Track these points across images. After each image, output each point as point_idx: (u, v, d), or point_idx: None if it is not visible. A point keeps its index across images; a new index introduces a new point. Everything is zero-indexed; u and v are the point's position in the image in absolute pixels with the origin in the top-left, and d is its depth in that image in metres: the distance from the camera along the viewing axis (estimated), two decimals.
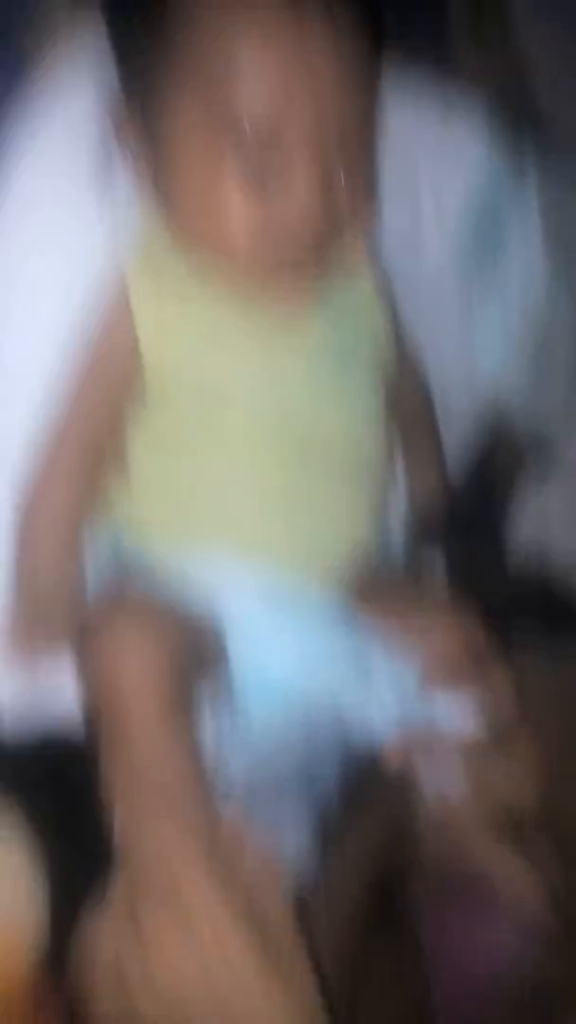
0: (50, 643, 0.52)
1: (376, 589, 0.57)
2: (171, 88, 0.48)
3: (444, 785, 0.52)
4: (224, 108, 0.47)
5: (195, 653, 0.49)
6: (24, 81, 0.52)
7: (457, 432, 0.76)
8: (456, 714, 0.52)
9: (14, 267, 0.53)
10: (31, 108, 0.52)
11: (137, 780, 0.46)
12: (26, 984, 0.46)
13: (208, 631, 0.51)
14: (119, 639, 0.47)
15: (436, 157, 0.66)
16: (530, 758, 0.51)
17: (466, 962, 0.62)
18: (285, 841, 0.51)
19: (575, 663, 0.65)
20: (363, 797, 0.55)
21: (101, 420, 0.53)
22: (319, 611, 0.53)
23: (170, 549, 0.53)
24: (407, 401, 0.64)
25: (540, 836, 0.51)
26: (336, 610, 0.54)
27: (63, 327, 0.51)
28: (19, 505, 0.53)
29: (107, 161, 0.52)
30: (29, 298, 0.52)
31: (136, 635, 0.47)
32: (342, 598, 0.55)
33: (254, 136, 0.47)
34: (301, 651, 0.51)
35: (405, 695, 0.52)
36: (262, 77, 0.47)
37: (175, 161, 0.49)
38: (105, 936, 0.44)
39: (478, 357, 0.74)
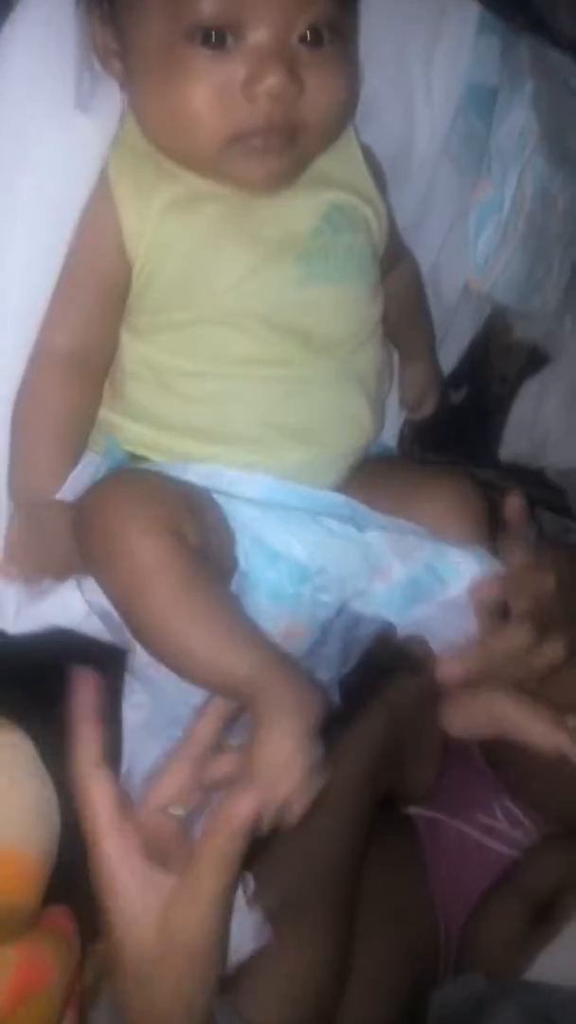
0: (54, 556, 0.51)
1: (377, 475, 0.58)
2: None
3: (458, 636, 0.54)
4: (188, 11, 0.46)
5: (200, 524, 0.49)
6: None
7: (452, 328, 0.76)
8: (466, 568, 0.53)
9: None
10: (12, 11, 0.50)
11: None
12: (40, 889, 0.47)
13: (212, 509, 0.51)
14: (123, 499, 0.47)
15: (426, 52, 0.64)
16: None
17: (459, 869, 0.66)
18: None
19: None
20: (369, 684, 0.57)
21: (92, 314, 0.52)
22: (324, 499, 0.54)
23: (168, 456, 0.53)
24: (401, 300, 0.63)
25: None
26: (339, 497, 0.55)
27: (50, 227, 0.50)
28: (15, 402, 0.52)
29: (87, 62, 0.51)
30: (14, 199, 0.50)
31: (139, 494, 0.48)
32: (345, 486, 0.56)
33: (219, 39, 0.46)
34: (307, 536, 0.51)
35: (413, 563, 0.53)
36: None
37: (147, 71, 0.48)
38: None
39: (472, 260, 0.72)
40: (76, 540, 0.49)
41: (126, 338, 0.53)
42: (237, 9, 0.46)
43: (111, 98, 0.51)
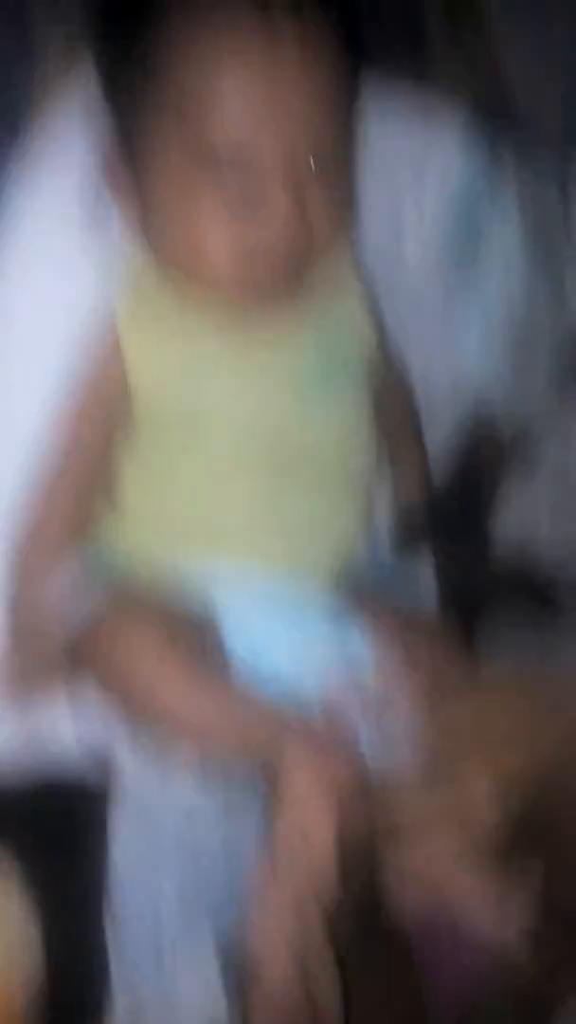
0: (46, 680, 0.52)
1: (363, 596, 0.58)
2: (154, 126, 0.51)
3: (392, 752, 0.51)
4: (200, 138, 0.49)
5: (193, 639, 0.50)
6: (21, 128, 0.54)
7: (441, 433, 0.77)
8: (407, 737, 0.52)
9: (9, 306, 0.55)
10: (28, 153, 0.55)
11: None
12: None
13: (203, 621, 0.52)
14: (119, 624, 0.49)
15: (416, 164, 0.67)
16: (508, 772, 0.50)
17: (454, 968, 0.63)
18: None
19: (559, 656, 0.66)
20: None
21: (92, 450, 0.54)
22: (309, 605, 0.55)
23: (162, 568, 0.54)
24: (391, 405, 0.65)
25: (528, 851, 0.49)
26: (325, 605, 0.56)
27: (57, 364, 0.53)
28: (14, 539, 0.54)
29: (99, 201, 0.54)
30: (24, 336, 0.54)
31: (134, 619, 0.49)
32: (331, 595, 0.56)
33: (228, 163, 0.49)
34: (291, 641, 0.52)
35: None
36: (233, 105, 0.49)
37: (158, 195, 0.51)
38: None
39: (460, 358, 0.74)
40: (71, 665, 0.50)
41: (121, 454, 0.55)
42: (247, 135, 0.49)
43: (117, 241, 0.54)
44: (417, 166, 0.66)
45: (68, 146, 0.55)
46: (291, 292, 0.54)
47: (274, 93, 0.49)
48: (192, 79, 0.49)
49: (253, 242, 0.50)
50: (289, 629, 0.53)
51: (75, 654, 0.50)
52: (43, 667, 0.52)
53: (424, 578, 0.71)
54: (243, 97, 0.49)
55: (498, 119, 0.75)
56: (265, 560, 0.54)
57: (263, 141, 0.49)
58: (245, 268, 0.51)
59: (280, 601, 0.54)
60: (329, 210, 0.52)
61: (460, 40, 0.71)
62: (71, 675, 0.50)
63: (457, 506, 0.84)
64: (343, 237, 0.56)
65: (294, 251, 0.51)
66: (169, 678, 0.48)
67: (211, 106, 0.49)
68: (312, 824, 0.44)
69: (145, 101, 0.51)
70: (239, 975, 0.45)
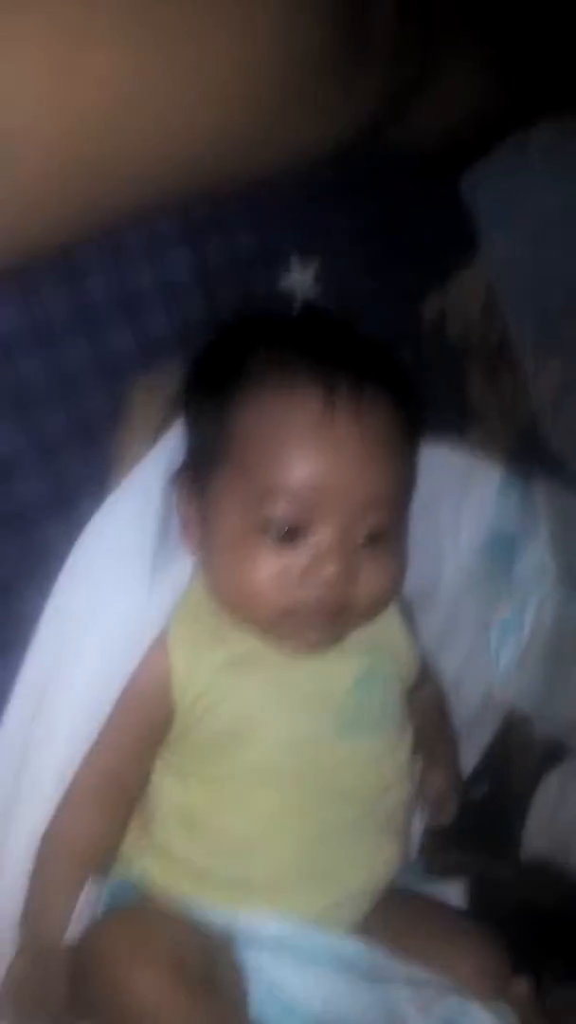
0: (45, 1003, 0.51)
1: (403, 917, 0.58)
2: (223, 465, 0.55)
3: None
4: (261, 488, 0.53)
5: (208, 960, 0.49)
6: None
7: (473, 727, 0.80)
8: None
9: (73, 609, 0.57)
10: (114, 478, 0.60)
11: None
12: None
13: (225, 950, 0.51)
14: (123, 935, 0.49)
15: (457, 494, 0.74)
16: None
17: None
18: None
19: None
20: None
21: (129, 750, 0.55)
22: (343, 946, 0.54)
23: (186, 894, 0.54)
24: (425, 710, 0.67)
25: None
26: (360, 945, 0.55)
27: (107, 679, 0.55)
28: (43, 833, 0.54)
29: (167, 525, 0.59)
30: (79, 651, 0.56)
31: (141, 930, 0.49)
32: (363, 935, 0.56)
33: (283, 515, 0.53)
34: (324, 987, 0.52)
35: (433, 1019, 0.52)
36: (295, 465, 0.53)
37: (218, 525, 0.55)
38: None
39: (495, 661, 0.78)
40: (72, 983, 0.50)
41: (160, 777, 0.56)
42: (308, 514, 0.53)
43: (181, 570, 0.59)
44: (456, 506, 0.73)
45: (149, 470, 0.60)
46: (332, 642, 0.56)
47: (333, 459, 0.53)
48: (259, 435, 0.54)
49: (301, 603, 0.53)
50: (317, 974, 0.52)
51: (75, 969, 0.50)
52: (49, 987, 0.51)
53: (455, 891, 0.70)
54: (303, 461, 0.53)
55: (531, 455, 0.85)
56: (295, 903, 0.54)
57: (323, 520, 0.53)
58: (292, 620, 0.54)
59: (307, 939, 0.53)
60: (378, 582, 0.55)
61: (499, 401, 0.81)
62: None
63: (488, 806, 0.84)
64: (390, 602, 0.59)
65: (339, 612, 0.54)
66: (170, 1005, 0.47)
67: (274, 464, 0.53)
68: None
69: (219, 444, 0.55)
70: None
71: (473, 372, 0.81)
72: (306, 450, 0.53)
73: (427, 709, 0.68)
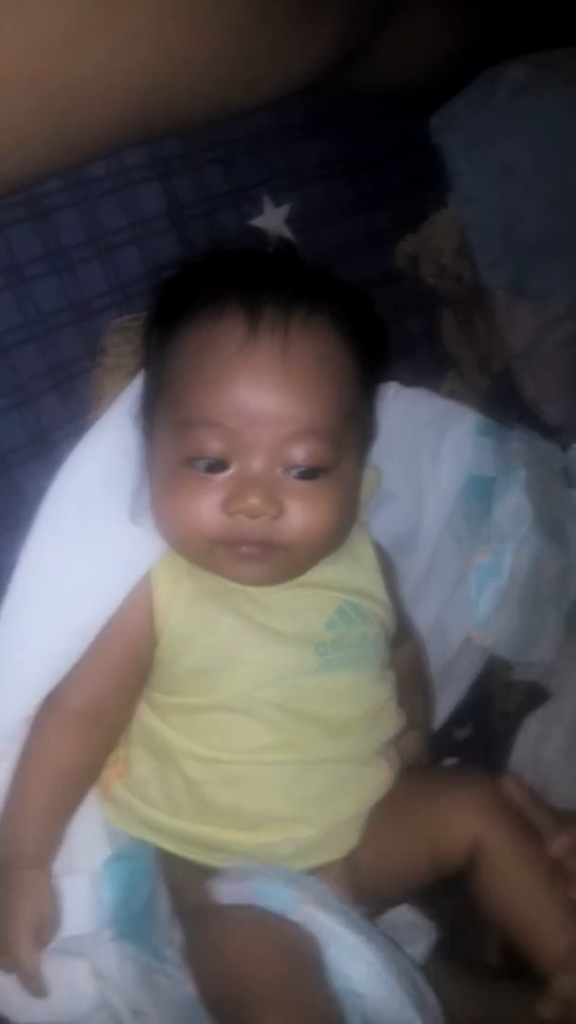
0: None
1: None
2: (160, 400, 0.55)
3: None
4: (184, 419, 0.53)
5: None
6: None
7: (454, 671, 0.80)
8: None
9: (61, 554, 0.56)
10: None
11: None
12: None
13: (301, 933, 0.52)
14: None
15: (434, 441, 0.74)
16: None
17: None
18: None
19: None
20: None
21: (113, 676, 0.55)
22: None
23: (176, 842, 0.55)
24: (403, 670, 0.66)
25: None
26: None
27: (88, 616, 0.55)
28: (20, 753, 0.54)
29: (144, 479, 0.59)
30: (60, 589, 0.55)
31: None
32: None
33: (204, 445, 0.52)
34: (380, 967, 0.51)
35: None
36: (215, 394, 0.52)
37: (154, 460, 0.55)
38: None
39: (474, 606, 0.79)
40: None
41: (143, 713, 0.56)
42: (230, 444, 0.52)
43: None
44: (434, 452, 0.73)
45: (125, 416, 0.59)
46: (276, 578, 0.55)
47: (252, 382, 0.51)
48: (184, 363, 0.53)
49: (225, 534, 0.53)
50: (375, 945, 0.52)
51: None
52: (9, 909, 0.51)
53: None
54: (221, 381, 0.51)
55: (508, 401, 0.85)
56: (287, 835, 0.54)
57: (246, 452, 0.52)
58: (223, 553, 0.53)
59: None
60: (308, 517, 0.53)
61: (474, 346, 0.82)
62: None
63: (472, 747, 0.85)
64: (334, 540, 0.57)
65: (268, 546, 0.53)
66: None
67: (194, 386, 0.52)
68: None
69: (158, 385, 0.55)
70: None
71: (448, 317, 0.81)
72: (226, 378, 0.52)
73: (406, 668, 0.67)
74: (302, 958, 0.50)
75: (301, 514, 0.53)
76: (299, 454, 0.53)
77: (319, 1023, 0.48)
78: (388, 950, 0.52)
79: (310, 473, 0.53)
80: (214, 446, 0.52)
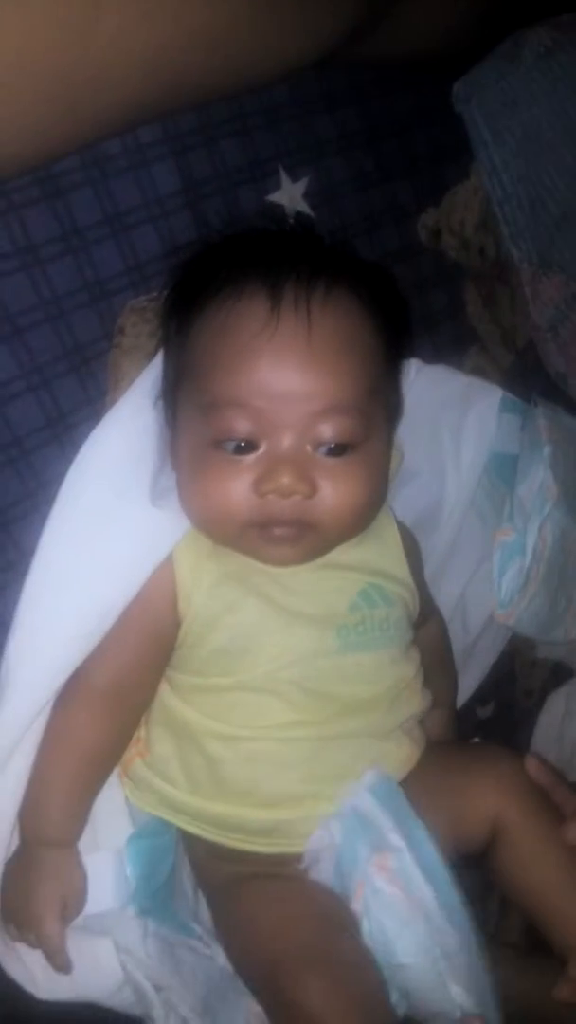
0: (25, 905, 0.53)
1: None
2: (184, 383, 0.54)
3: None
4: (210, 401, 0.52)
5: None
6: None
7: (477, 649, 0.80)
8: None
9: (89, 535, 0.56)
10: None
11: None
12: None
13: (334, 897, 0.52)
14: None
15: (458, 419, 0.73)
16: None
17: None
18: None
19: None
20: None
21: (136, 657, 0.55)
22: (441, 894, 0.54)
23: (198, 821, 0.55)
24: (427, 650, 0.66)
25: None
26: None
27: (112, 596, 0.55)
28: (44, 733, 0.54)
29: (165, 462, 0.58)
30: (84, 571, 0.55)
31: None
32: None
33: (232, 426, 0.51)
34: (420, 928, 0.52)
35: None
36: (240, 374, 0.51)
37: (181, 443, 0.55)
38: None
39: (497, 585, 0.78)
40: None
41: (164, 693, 0.57)
42: (258, 424, 0.52)
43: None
44: (457, 430, 0.72)
45: (144, 398, 0.59)
46: (306, 557, 0.55)
47: (276, 360, 0.50)
48: (207, 344, 0.52)
49: (258, 516, 0.52)
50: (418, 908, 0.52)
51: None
52: (31, 886, 0.52)
53: None
54: (245, 360, 0.50)
55: (531, 376, 0.84)
56: (307, 810, 0.55)
57: (275, 432, 0.51)
58: (255, 535, 0.53)
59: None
60: (341, 495, 0.52)
61: (498, 321, 0.80)
62: None
63: (496, 725, 0.85)
64: (366, 518, 0.56)
65: (301, 526, 0.52)
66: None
67: (219, 367, 0.51)
68: None
69: (181, 367, 0.54)
70: None
71: (471, 291, 0.80)
72: (250, 358, 0.51)
73: (428, 647, 0.67)
74: (338, 920, 0.51)
75: (332, 492, 0.53)
76: (327, 431, 0.52)
77: (358, 982, 0.49)
78: (456, 917, 0.52)
79: (339, 449, 0.53)
80: (242, 427, 0.52)
